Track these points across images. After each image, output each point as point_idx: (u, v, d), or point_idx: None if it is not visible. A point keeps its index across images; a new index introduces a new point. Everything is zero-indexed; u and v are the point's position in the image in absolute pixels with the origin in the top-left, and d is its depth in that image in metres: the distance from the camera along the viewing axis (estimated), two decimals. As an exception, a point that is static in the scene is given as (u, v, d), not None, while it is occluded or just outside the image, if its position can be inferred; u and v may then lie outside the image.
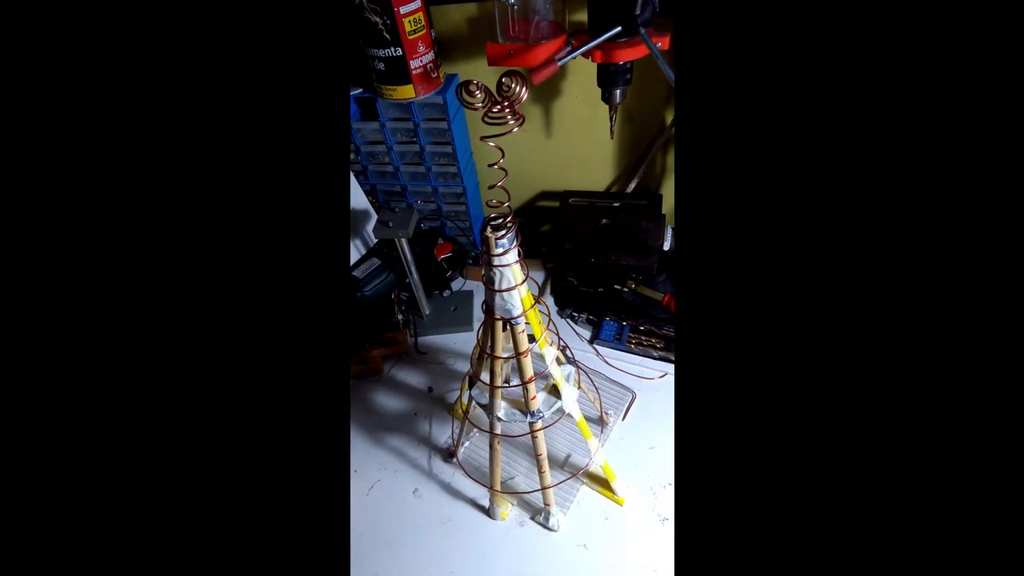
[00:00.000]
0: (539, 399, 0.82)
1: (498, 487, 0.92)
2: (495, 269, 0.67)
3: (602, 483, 0.98)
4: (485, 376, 0.82)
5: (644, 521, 0.93)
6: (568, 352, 0.91)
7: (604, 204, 1.36)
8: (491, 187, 0.65)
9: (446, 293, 1.35)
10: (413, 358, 1.27)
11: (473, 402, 0.88)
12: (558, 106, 1.32)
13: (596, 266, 1.23)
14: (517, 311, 0.71)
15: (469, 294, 1.38)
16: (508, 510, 0.97)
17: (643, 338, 1.22)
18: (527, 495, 0.98)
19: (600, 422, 1.07)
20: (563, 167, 1.45)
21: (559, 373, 0.82)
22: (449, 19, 1.20)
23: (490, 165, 0.64)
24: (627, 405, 1.11)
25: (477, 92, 0.55)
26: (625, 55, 0.94)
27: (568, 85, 1.27)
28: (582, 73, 1.23)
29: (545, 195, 1.55)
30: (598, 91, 1.24)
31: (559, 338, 0.88)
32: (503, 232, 0.64)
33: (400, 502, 1.01)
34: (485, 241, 0.64)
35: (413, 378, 1.23)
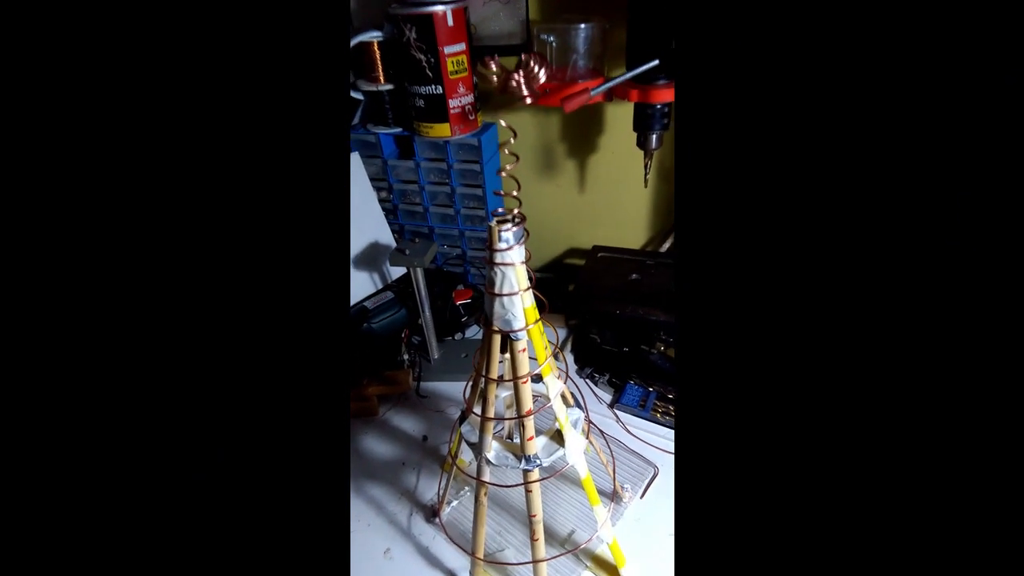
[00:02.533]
0: (538, 443, 0.69)
1: (481, 555, 0.76)
2: (496, 268, 0.59)
3: (609, 569, 0.80)
4: (478, 409, 0.71)
5: (659, 628, 0.73)
6: (578, 400, 0.79)
7: (636, 260, 1.28)
8: (499, 172, 0.60)
9: (458, 336, 1.26)
10: (412, 402, 1.16)
11: (465, 448, 0.75)
12: (592, 161, 1.31)
13: (622, 320, 1.13)
14: (519, 323, 0.62)
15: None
16: (491, 589, 0.79)
17: (671, 407, 1.07)
18: (517, 571, 0.80)
19: (613, 496, 0.91)
20: (594, 223, 1.41)
21: (564, 414, 0.70)
22: (491, 70, 1.25)
23: (501, 145, 0.59)
24: (648, 481, 0.94)
25: (493, 65, 0.52)
26: (662, 96, 0.93)
27: (604, 140, 1.27)
28: (620, 127, 1.23)
29: (573, 252, 1.49)
30: (633, 147, 1.22)
31: (573, 384, 0.77)
32: (509, 225, 0.57)
33: (367, 562, 0.85)
34: (488, 234, 0.57)
35: (409, 424, 1.11)
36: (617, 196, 1.34)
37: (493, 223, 0.57)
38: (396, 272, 1.37)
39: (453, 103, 1.14)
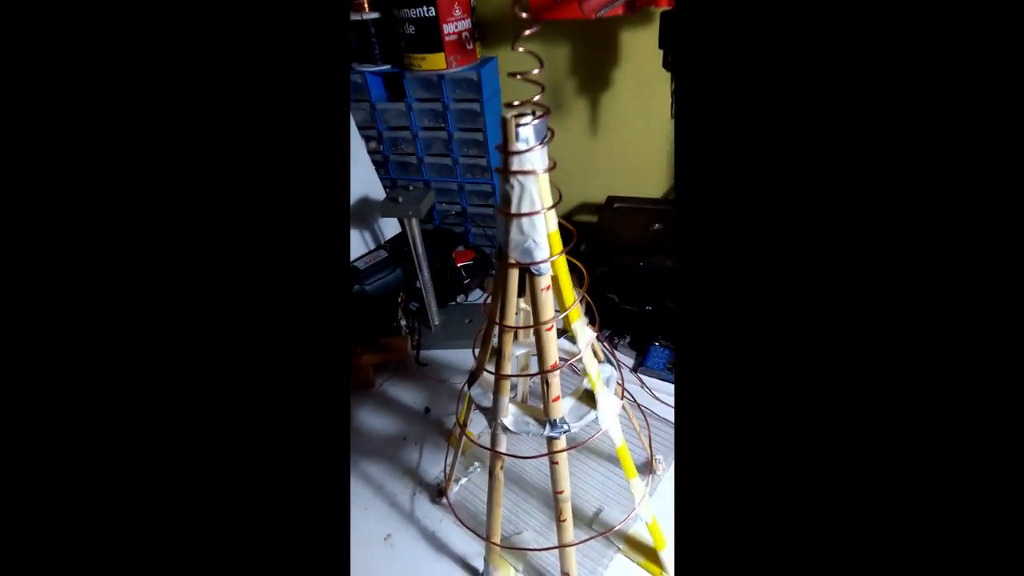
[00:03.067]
0: (565, 405, 0.57)
1: (497, 539, 0.64)
2: (513, 179, 0.45)
3: (646, 552, 0.68)
4: (492, 366, 0.58)
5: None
6: (608, 355, 0.66)
7: (657, 209, 1.15)
8: (512, 75, 0.46)
9: (460, 299, 1.13)
10: (412, 371, 1.04)
11: (476, 416, 0.63)
12: (607, 99, 1.16)
13: (646, 273, 1.00)
14: (541, 252, 0.49)
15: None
16: (510, 578, 0.68)
17: (703, 368, 0.95)
18: (538, 556, 0.69)
19: (647, 469, 0.79)
20: (609, 172, 1.27)
21: (596, 370, 0.58)
22: (492, 1, 1.10)
23: (521, 73, 0.45)
24: (683, 450, 0.82)
25: None
26: None
27: (621, 74, 1.12)
28: (639, 55, 1.08)
29: (584, 208, 1.36)
30: (655, 82, 1.07)
31: (597, 331, 0.64)
32: (528, 119, 0.43)
33: (366, 550, 0.74)
34: (502, 129, 0.44)
35: (409, 395, 0.99)
36: (634, 139, 1.19)
37: (508, 115, 0.44)
38: (389, 232, 1.24)
39: (448, 28, 0.99)
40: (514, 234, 0.48)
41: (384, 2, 1.04)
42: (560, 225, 0.52)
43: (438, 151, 1.21)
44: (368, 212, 1.21)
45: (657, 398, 0.94)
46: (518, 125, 0.43)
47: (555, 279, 0.52)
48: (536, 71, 0.45)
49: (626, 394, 0.79)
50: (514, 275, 0.51)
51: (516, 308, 0.53)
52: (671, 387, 0.95)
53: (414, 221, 0.96)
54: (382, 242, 1.22)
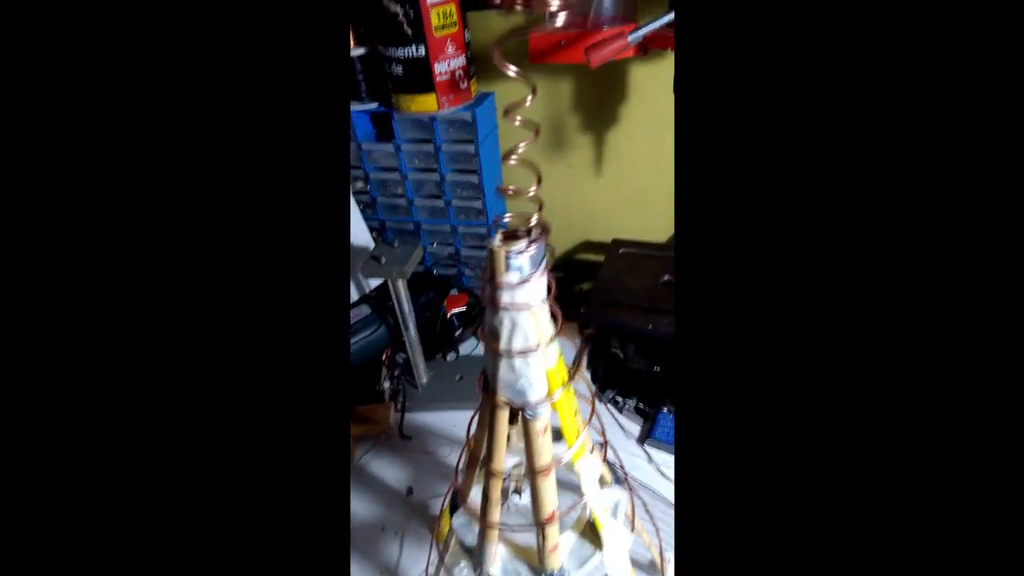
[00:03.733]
0: (565, 547, 0.48)
1: None
2: (503, 312, 0.37)
3: None
4: (477, 494, 0.49)
5: None
6: (615, 462, 0.57)
7: (665, 257, 1.06)
8: (505, 157, 0.37)
9: (451, 356, 1.04)
10: (395, 443, 0.95)
11: (455, 536, 0.54)
12: (614, 136, 1.07)
13: (654, 336, 0.91)
14: (536, 395, 0.40)
15: (480, 362, 1.08)
16: None
17: (717, 445, 0.86)
18: None
19: (653, 569, 0.70)
20: (614, 212, 1.18)
21: (602, 501, 0.49)
22: (489, 29, 1.01)
23: (509, 110, 0.36)
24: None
25: None
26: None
27: (629, 109, 1.03)
28: (648, 92, 0.99)
29: (588, 246, 1.27)
30: (665, 120, 0.99)
31: (603, 440, 0.56)
32: (523, 243, 0.35)
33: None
34: (488, 259, 0.35)
35: (390, 472, 0.90)
36: (641, 178, 1.11)
37: (497, 242, 0.35)
38: (374, 280, 1.15)
39: (440, 67, 0.90)
40: (504, 372, 0.39)
41: (371, 38, 0.95)
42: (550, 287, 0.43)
43: (430, 192, 1.12)
44: (352, 260, 1.12)
45: (664, 474, 0.85)
46: (511, 255, 0.34)
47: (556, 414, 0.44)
48: (528, 101, 0.36)
49: (633, 496, 0.70)
50: (504, 415, 0.42)
51: (503, 444, 0.44)
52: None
53: (400, 282, 0.87)
54: (366, 291, 1.13)
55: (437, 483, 0.87)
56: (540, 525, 0.44)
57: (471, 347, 1.14)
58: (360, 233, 1.14)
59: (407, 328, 0.95)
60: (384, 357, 1.02)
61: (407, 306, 0.92)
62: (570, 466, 0.45)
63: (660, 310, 0.92)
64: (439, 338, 1.09)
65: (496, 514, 0.46)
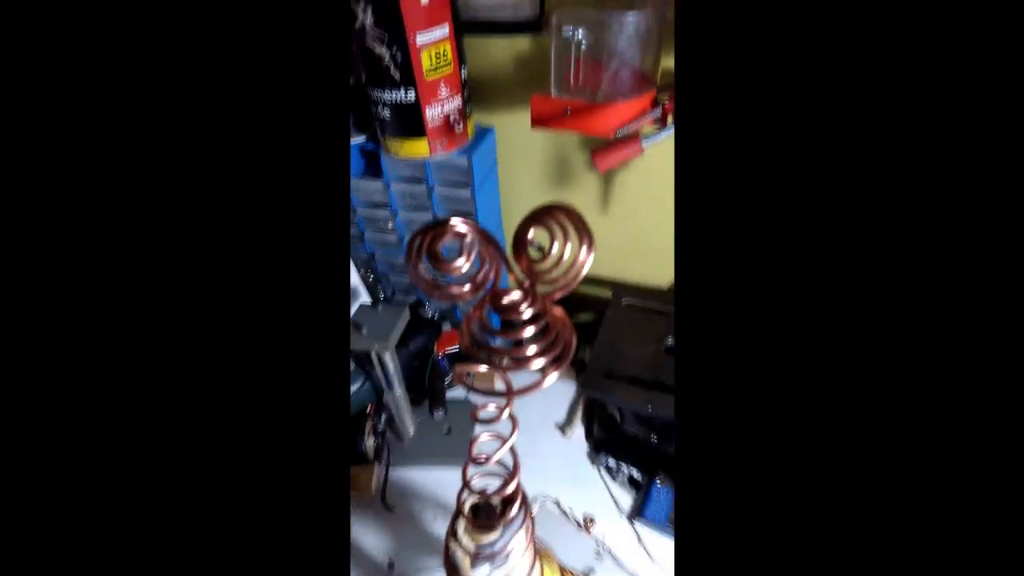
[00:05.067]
0: None
1: None
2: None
3: None
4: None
5: None
6: (591, 541, 0.54)
7: (668, 311, 1.00)
8: (477, 419, 0.31)
9: (439, 413, 1.00)
10: (376, 509, 0.92)
11: None
12: (621, 175, 0.99)
13: (652, 415, 0.87)
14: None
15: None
16: None
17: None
18: None
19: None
20: (618, 252, 1.11)
21: None
22: (490, 55, 0.90)
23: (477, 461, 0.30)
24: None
25: (460, 262, 0.23)
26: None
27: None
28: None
29: (590, 280, 1.20)
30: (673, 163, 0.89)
31: (583, 522, 0.52)
32: (495, 536, 0.29)
33: None
34: (450, 554, 0.29)
35: (371, 540, 0.88)
36: (648, 220, 1.03)
37: (461, 532, 0.29)
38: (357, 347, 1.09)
39: (432, 112, 0.81)
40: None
41: (356, 73, 0.85)
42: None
43: (422, 229, 1.04)
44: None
45: (650, 556, 0.83)
46: (480, 553, 0.29)
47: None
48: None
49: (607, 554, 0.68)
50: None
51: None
52: (671, 542, 0.84)
53: (385, 353, 0.82)
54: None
55: (421, 555, 0.85)
56: None
57: (458, 394, 1.10)
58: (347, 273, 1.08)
59: (392, 389, 0.90)
60: (368, 410, 0.97)
61: (393, 371, 0.87)
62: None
63: (661, 386, 0.87)
64: (428, 388, 1.04)
65: None
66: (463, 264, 0.23)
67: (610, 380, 0.90)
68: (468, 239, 0.24)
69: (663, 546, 0.84)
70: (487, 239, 0.25)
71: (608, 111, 0.64)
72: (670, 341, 0.95)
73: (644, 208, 1.02)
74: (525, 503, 0.30)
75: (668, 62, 0.71)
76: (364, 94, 0.84)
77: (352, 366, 0.97)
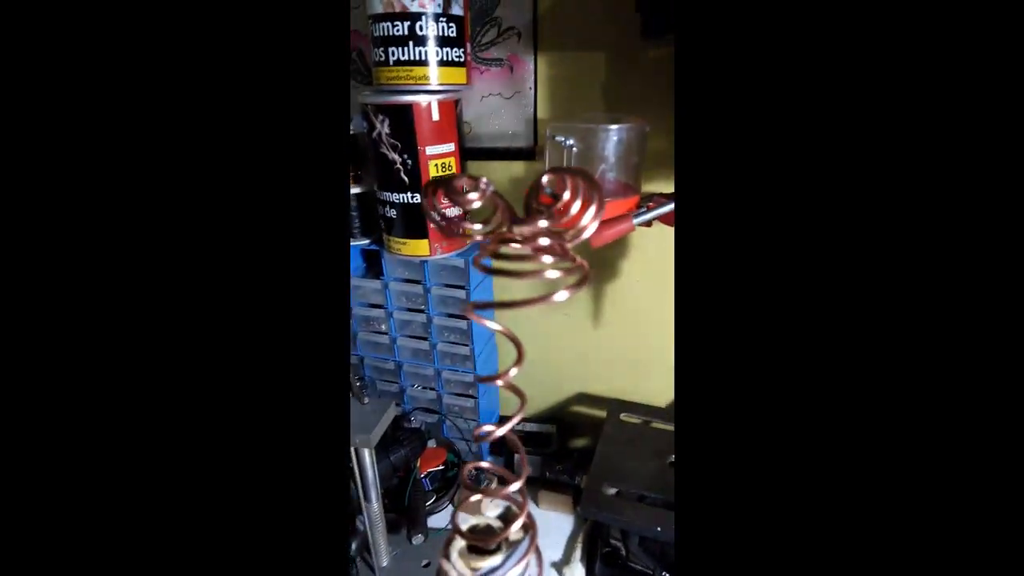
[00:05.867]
0: None
1: None
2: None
3: None
4: None
5: None
6: None
7: (671, 430, 0.94)
8: (488, 379, 0.27)
9: (418, 539, 0.87)
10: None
11: None
12: (614, 290, 1.02)
13: (662, 545, 0.76)
14: None
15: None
16: None
17: None
18: None
19: None
20: (613, 367, 1.09)
21: None
22: (489, 175, 1.00)
23: (488, 380, 0.27)
24: None
25: (474, 195, 0.23)
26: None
27: (631, 265, 0.98)
28: (651, 249, 0.95)
29: (583, 399, 1.15)
30: (668, 272, 0.93)
31: None
32: (501, 559, 0.23)
33: None
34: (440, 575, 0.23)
35: None
36: (642, 336, 1.03)
37: (455, 557, 0.24)
38: (345, 424, 1.02)
39: (434, 214, 0.86)
40: None
41: (367, 179, 0.93)
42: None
43: (415, 333, 1.03)
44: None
45: None
46: None
47: None
48: (511, 373, 0.27)
49: None
50: None
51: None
52: None
53: (365, 451, 0.74)
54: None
55: None
56: None
57: (444, 518, 0.97)
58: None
59: (369, 502, 0.79)
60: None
61: (371, 477, 0.78)
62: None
63: (670, 505, 0.78)
64: (408, 508, 0.92)
65: None
66: (476, 199, 0.23)
67: (612, 500, 0.80)
68: (483, 182, 0.24)
69: None
70: (498, 193, 0.25)
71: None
72: (672, 459, 0.88)
73: (637, 326, 1.03)
74: (532, 526, 0.25)
75: (647, 185, 0.80)
76: (374, 199, 0.91)
77: None
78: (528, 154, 0.96)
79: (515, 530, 0.24)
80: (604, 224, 0.58)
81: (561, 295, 0.23)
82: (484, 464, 0.28)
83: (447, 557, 0.23)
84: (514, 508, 0.25)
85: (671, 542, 0.76)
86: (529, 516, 0.24)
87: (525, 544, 0.24)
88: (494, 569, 0.23)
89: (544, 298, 0.23)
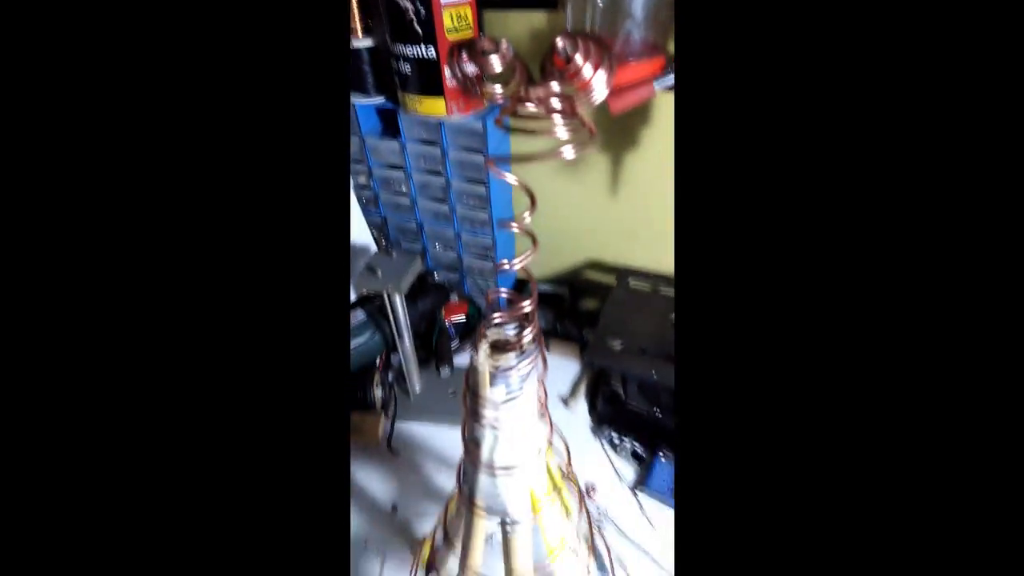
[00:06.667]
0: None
1: None
2: (485, 427, 0.32)
3: None
4: (453, 564, 0.45)
5: None
6: (603, 554, 0.53)
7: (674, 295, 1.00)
8: (506, 224, 0.31)
9: (445, 372, 1.00)
10: (382, 455, 0.92)
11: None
12: (631, 159, 1.00)
13: (657, 385, 0.86)
14: (516, 511, 0.35)
15: (476, 379, 1.04)
16: None
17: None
18: None
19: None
20: (625, 236, 1.12)
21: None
22: (508, 28, 0.93)
23: (518, 217, 0.31)
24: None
25: (495, 58, 0.24)
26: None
27: (650, 135, 0.96)
28: (671, 121, 0.92)
29: (596, 266, 1.21)
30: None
31: (584, 490, 0.51)
32: (515, 359, 0.30)
33: None
34: (470, 375, 0.30)
35: (376, 485, 0.88)
36: (658, 205, 1.04)
37: (482, 355, 0.30)
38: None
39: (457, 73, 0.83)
40: (483, 483, 0.35)
41: (378, 30, 0.88)
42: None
43: (434, 196, 1.06)
44: (350, 260, 1.07)
45: (652, 525, 0.81)
46: (499, 371, 0.29)
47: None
48: (528, 215, 0.32)
49: (609, 524, 0.67)
50: (481, 524, 0.38)
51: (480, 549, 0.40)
52: (671, 512, 0.82)
53: (396, 296, 0.82)
54: (363, 293, 1.08)
55: (422, 502, 0.84)
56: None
57: (464, 360, 1.10)
58: (360, 232, 1.09)
59: (402, 339, 0.90)
60: (378, 363, 0.98)
61: (403, 319, 0.87)
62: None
63: (667, 357, 0.87)
64: (435, 348, 1.05)
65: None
66: (497, 62, 0.24)
67: (616, 351, 0.90)
68: (504, 46, 0.25)
69: (664, 516, 0.83)
70: (518, 55, 0.26)
71: (622, 69, 0.65)
72: (674, 317, 0.95)
73: (652, 196, 1.04)
74: (540, 337, 0.31)
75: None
76: (386, 52, 0.87)
77: (363, 317, 0.98)
78: (550, 2, 0.88)
79: (527, 338, 0.30)
80: (623, 90, 0.56)
81: (568, 152, 0.25)
82: (503, 290, 0.33)
83: (476, 351, 0.29)
84: (526, 325, 0.31)
85: (664, 387, 0.86)
86: (536, 326, 0.30)
87: (534, 349, 0.30)
88: (511, 366, 0.29)
89: (552, 153, 0.25)
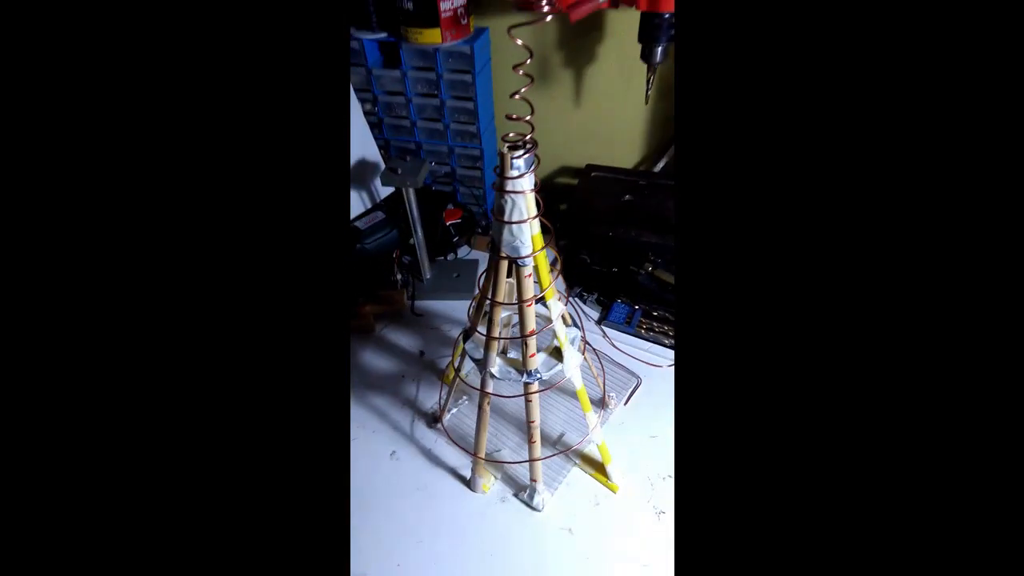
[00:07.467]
0: (539, 359, 0.75)
1: (482, 455, 0.84)
2: (507, 196, 0.59)
3: (596, 466, 0.90)
4: (483, 328, 0.74)
5: (638, 512, 0.84)
6: (575, 318, 0.83)
7: (629, 180, 1.29)
8: (513, 95, 0.58)
9: (450, 256, 1.28)
10: (407, 320, 1.20)
11: (466, 361, 0.80)
12: (591, 72, 1.25)
13: (613, 241, 1.15)
14: (526, 249, 0.63)
15: (474, 263, 1.31)
16: (490, 483, 0.89)
17: (655, 324, 1.14)
18: (512, 468, 0.90)
19: (601, 404, 0.99)
20: (588, 140, 1.38)
21: (564, 333, 0.75)
22: (486, -31, 1.15)
23: (515, 67, 0.56)
24: (631, 389, 1.03)
25: None
26: (671, 4, 0.87)
27: (605, 49, 1.21)
28: (622, 36, 1.16)
29: (565, 171, 1.48)
30: (636, 59, 1.16)
31: (567, 298, 0.81)
32: (520, 152, 0.57)
33: (376, 463, 0.94)
34: (500, 160, 0.57)
35: (405, 340, 1.16)
36: (613, 112, 1.30)
37: (505, 149, 0.57)
38: (384, 190, 1.35)
39: (445, 5, 1.06)
40: (506, 236, 0.63)
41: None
42: (542, 221, 0.67)
43: (430, 116, 1.29)
44: (364, 173, 1.31)
45: (615, 346, 1.13)
46: (513, 157, 0.56)
47: (536, 268, 0.68)
48: (527, 62, 0.56)
49: (587, 346, 0.97)
50: (504, 264, 0.66)
51: (503, 286, 0.69)
52: (628, 337, 1.14)
53: (411, 190, 1.08)
54: (378, 201, 1.33)
55: (442, 349, 1.13)
56: (524, 338, 0.70)
57: (464, 253, 1.37)
58: (369, 150, 1.32)
59: (416, 231, 1.16)
60: (395, 255, 1.24)
61: (416, 212, 1.13)
62: (543, 301, 0.71)
63: (619, 222, 1.16)
64: (439, 243, 1.31)
65: (496, 331, 0.71)
66: None
67: (582, 224, 1.18)
68: None
69: (623, 340, 1.13)
70: None
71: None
72: (627, 197, 1.24)
73: (608, 102, 1.28)
74: (534, 143, 0.58)
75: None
76: (390, -8, 1.08)
77: (383, 216, 1.23)
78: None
79: (528, 138, 0.57)
80: (580, 2, 0.80)
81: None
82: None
83: (503, 147, 0.56)
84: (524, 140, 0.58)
85: (619, 246, 1.15)
86: (531, 128, 0.57)
87: (531, 146, 0.57)
88: (519, 155, 0.56)
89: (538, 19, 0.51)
